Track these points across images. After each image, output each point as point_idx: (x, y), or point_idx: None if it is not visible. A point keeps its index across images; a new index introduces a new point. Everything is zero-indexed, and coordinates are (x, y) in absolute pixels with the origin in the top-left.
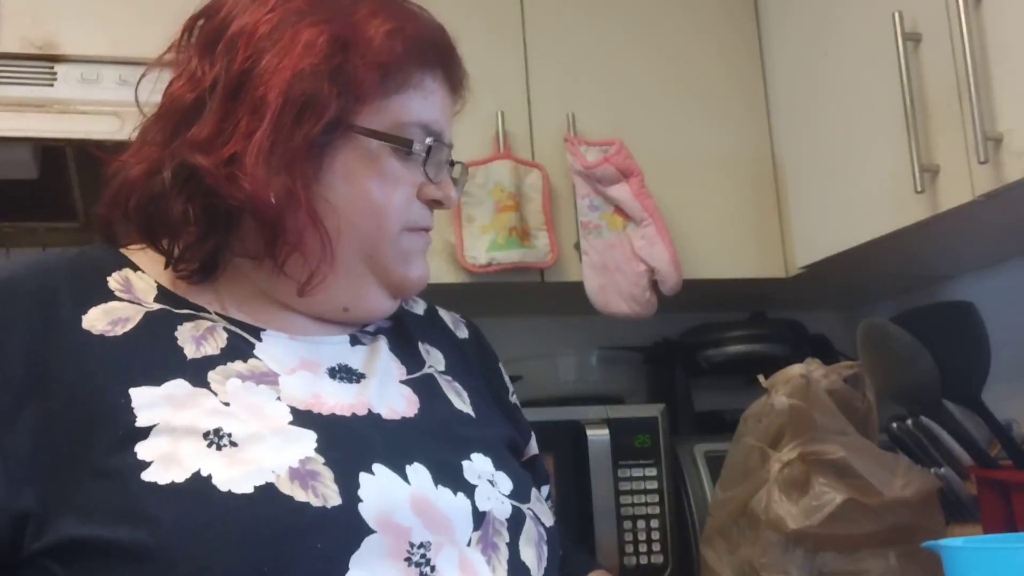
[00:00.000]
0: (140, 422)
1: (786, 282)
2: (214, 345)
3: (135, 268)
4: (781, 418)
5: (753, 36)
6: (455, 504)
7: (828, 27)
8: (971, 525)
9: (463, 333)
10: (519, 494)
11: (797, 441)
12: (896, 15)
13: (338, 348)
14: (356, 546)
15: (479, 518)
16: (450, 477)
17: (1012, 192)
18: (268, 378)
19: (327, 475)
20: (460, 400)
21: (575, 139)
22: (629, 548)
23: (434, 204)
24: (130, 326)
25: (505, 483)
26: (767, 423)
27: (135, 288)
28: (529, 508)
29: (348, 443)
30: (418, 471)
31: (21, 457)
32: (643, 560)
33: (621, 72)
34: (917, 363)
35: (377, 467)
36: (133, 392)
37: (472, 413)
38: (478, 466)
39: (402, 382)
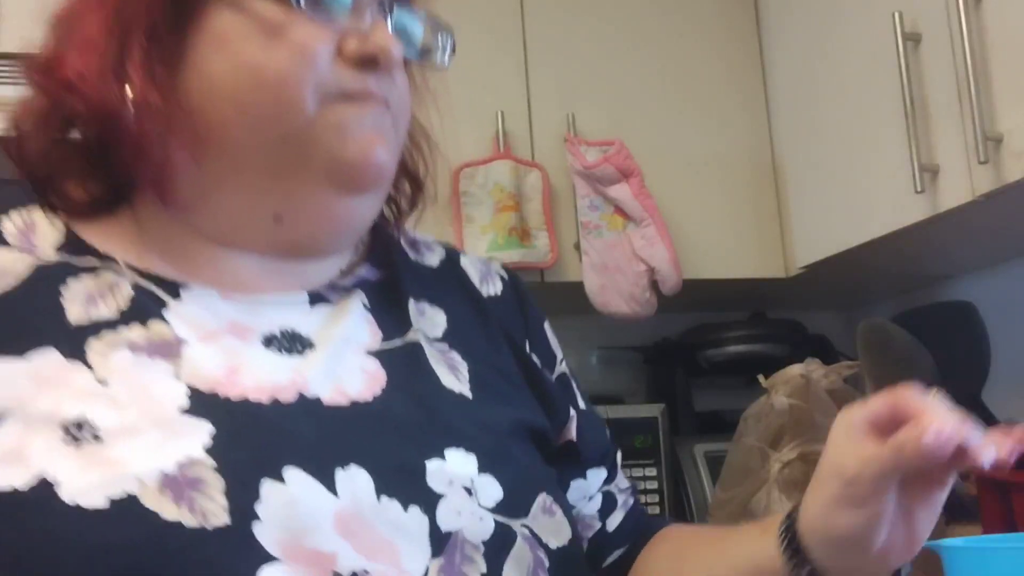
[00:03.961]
0: None
1: (786, 282)
2: (112, 306)
3: (53, 208)
4: (781, 418)
5: (753, 36)
6: (403, 522)
7: (828, 27)
8: (971, 525)
9: (493, 288)
10: (511, 505)
11: (797, 441)
12: (896, 15)
13: (288, 309)
14: None
15: (440, 540)
16: (402, 484)
17: (1012, 192)
18: (168, 349)
19: (215, 484)
20: (453, 376)
21: (575, 139)
22: None
23: (366, 61)
24: (11, 282)
25: (490, 491)
26: (767, 423)
27: (37, 233)
28: (524, 525)
29: (256, 439)
30: (353, 477)
31: None
32: None
33: (621, 72)
34: (917, 363)
35: (291, 472)
36: None
37: (467, 392)
38: (452, 468)
39: (370, 353)
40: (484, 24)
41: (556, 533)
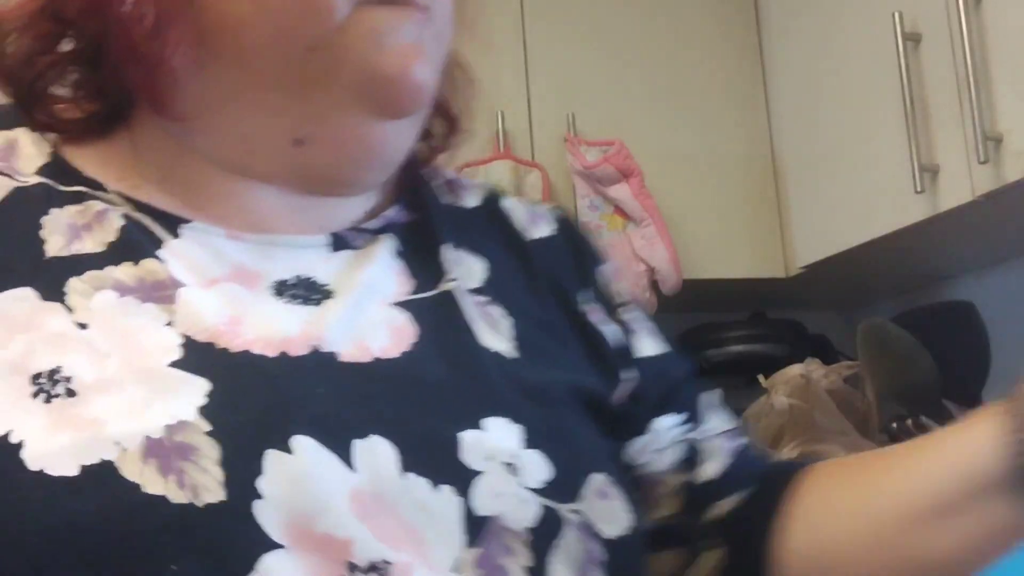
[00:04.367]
0: None
1: (786, 282)
2: (98, 239)
3: (39, 128)
4: (781, 418)
5: (753, 36)
6: (432, 504)
7: (828, 27)
8: None
9: (540, 231)
10: (561, 487)
11: (797, 441)
12: (896, 15)
13: (304, 252)
14: (246, 569)
15: (475, 526)
16: (432, 459)
17: (1012, 192)
18: (161, 291)
19: (209, 453)
20: (495, 332)
21: (575, 139)
22: None
23: None
24: None
25: (537, 468)
26: (767, 423)
27: (18, 154)
28: (576, 510)
29: (260, 400)
30: (374, 449)
31: None
32: None
33: (621, 72)
34: (917, 363)
35: (299, 441)
36: None
37: (511, 352)
38: (491, 440)
39: (397, 304)
40: (484, 25)
41: (613, 520)
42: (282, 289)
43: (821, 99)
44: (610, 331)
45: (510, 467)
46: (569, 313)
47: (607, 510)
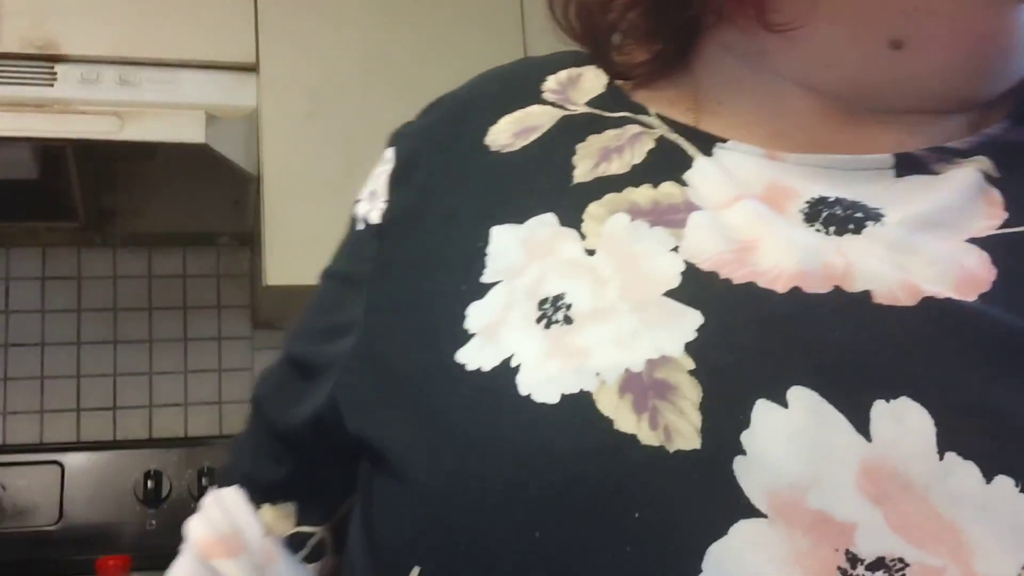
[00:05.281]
0: (486, 276)
1: None
2: (624, 161)
3: (616, 75)
4: None
5: None
6: (982, 498)
7: None
8: None
9: None
10: None
11: None
12: None
13: (859, 175)
14: (718, 530)
15: None
16: (987, 439)
17: None
18: (674, 215)
19: (689, 393)
20: None
21: None
22: None
23: None
24: (534, 136)
25: None
26: None
27: (576, 87)
28: None
29: (755, 341)
30: (903, 415)
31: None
32: None
33: None
34: None
35: (797, 394)
36: (494, 232)
37: None
38: None
39: (975, 240)
40: (484, 24)
41: None
42: (816, 212)
43: None
44: None
45: None
46: None
47: None
